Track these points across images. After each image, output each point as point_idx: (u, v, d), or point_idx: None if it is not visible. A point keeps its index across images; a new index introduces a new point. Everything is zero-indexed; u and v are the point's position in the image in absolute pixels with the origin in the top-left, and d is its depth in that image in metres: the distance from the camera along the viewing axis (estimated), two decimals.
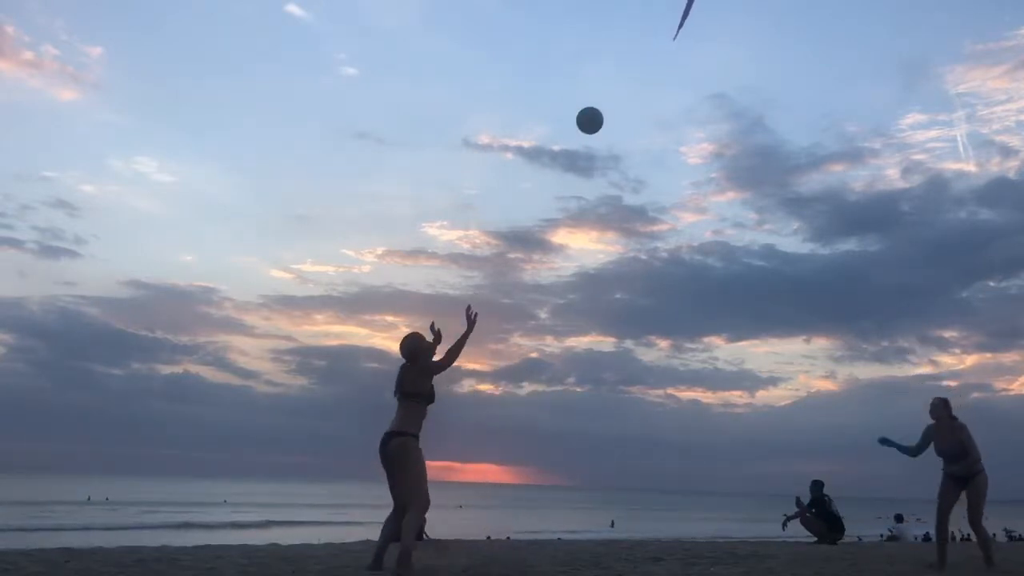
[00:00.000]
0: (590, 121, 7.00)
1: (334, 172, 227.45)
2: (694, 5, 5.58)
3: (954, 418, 7.37)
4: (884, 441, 7.70)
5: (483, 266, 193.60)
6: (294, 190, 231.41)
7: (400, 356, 6.06)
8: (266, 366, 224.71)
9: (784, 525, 13.06)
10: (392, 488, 5.93)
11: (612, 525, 37.15)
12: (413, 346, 5.99)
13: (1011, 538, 25.80)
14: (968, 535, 28.22)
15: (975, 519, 7.39)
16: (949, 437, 7.32)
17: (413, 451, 5.81)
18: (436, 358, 6.00)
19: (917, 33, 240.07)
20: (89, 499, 52.97)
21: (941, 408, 7.40)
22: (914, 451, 7.59)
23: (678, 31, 5.68)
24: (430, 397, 5.96)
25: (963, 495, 7.38)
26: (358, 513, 49.70)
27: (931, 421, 7.49)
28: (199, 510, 48.32)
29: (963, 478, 7.31)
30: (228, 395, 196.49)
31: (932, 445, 7.48)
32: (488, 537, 17.36)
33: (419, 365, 5.97)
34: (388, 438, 5.85)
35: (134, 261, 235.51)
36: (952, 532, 36.07)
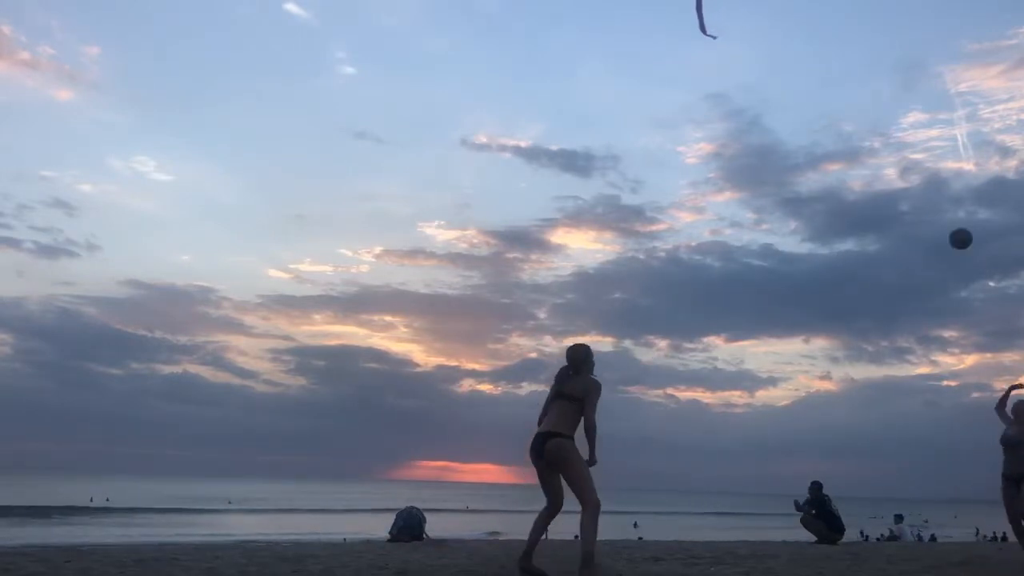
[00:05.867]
0: (960, 241, 7.84)
1: (332, 171, 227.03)
2: (704, 5, 5.46)
3: None
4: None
5: (481, 266, 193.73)
6: (292, 189, 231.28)
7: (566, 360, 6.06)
8: (265, 366, 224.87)
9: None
10: (544, 486, 5.94)
11: (635, 526, 37.04)
12: (581, 357, 6.02)
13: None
14: (1004, 535, 28.41)
15: None
16: None
17: (573, 452, 5.79)
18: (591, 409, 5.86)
19: (915, 32, 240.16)
20: (92, 500, 52.92)
21: None
22: (1001, 407, 7.94)
23: (704, 28, 5.53)
24: (582, 403, 5.88)
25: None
26: (358, 512, 49.70)
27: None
28: (200, 510, 48.35)
29: (1018, 478, 7.64)
30: (227, 395, 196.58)
31: (1005, 429, 7.83)
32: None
33: (580, 376, 5.96)
34: (544, 438, 5.82)
35: (133, 261, 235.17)
36: (984, 532, 36.15)
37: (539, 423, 5.99)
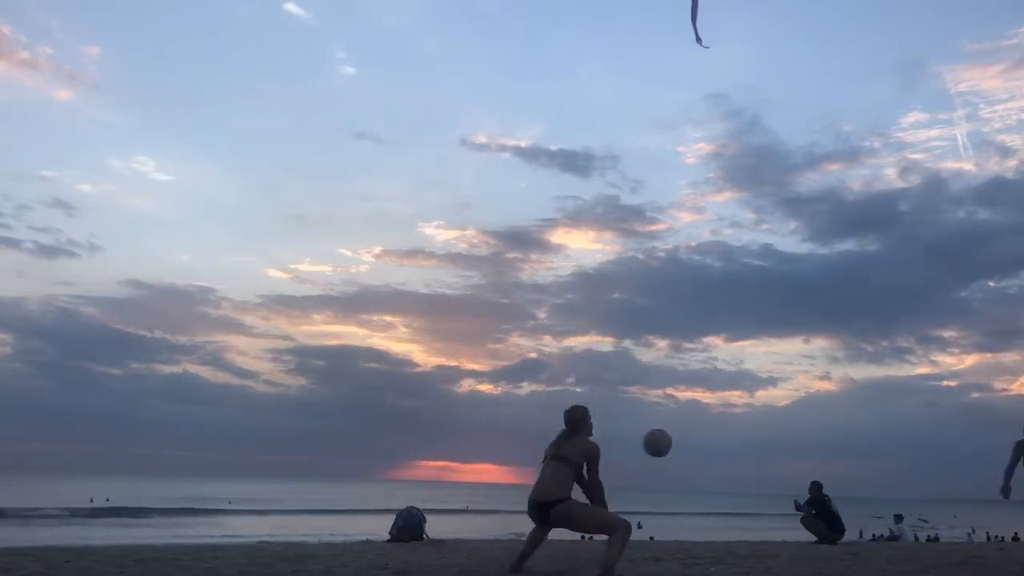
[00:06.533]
0: (655, 445, 7.03)
1: (332, 171, 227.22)
2: (701, 8, 5.46)
3: None
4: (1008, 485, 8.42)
5: (481, 266, 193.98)
6: (292, 189, 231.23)
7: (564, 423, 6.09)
8: (265, 366, 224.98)
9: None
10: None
11: (640, 527, 37.05)
12: (579, 419, 6.02)
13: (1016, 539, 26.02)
14: (1016, 535, 28.65)
15: None
16: None
17: (576, 508, 5.80)
18: (593, 469, 5.94)
19: (915, 32, 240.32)
20: (92, 500, 52.92)
21: None
22: (1010, 469, 8.33)
23: (699, 39, 5.53)
24: (580, 468, 5.92)
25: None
26: (358, 512, 49.70)
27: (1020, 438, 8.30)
28: (200, 510, 48.36)
29: None
30: (227, 395, 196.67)
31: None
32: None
33: (577, 438, 5.95)
34: (544, 507, 5.80)
35: (132, 261, 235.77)
36: (987, 532, 36.35)
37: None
